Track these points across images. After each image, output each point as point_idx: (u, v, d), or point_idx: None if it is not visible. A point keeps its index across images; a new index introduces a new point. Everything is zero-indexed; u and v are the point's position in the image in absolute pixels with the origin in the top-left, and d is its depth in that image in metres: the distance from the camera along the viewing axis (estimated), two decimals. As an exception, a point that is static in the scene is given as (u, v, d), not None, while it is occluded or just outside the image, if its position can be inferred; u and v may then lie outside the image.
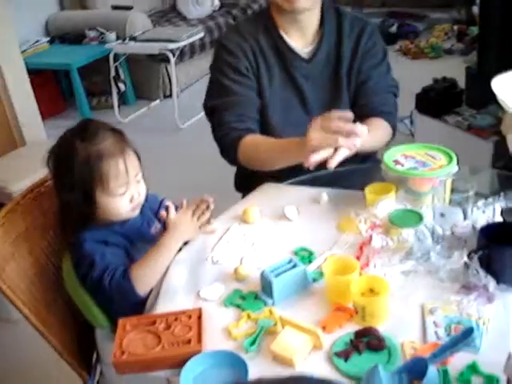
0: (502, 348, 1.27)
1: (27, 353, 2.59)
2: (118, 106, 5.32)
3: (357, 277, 1.47)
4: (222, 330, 1.48)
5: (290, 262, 1.56)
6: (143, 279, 1.65)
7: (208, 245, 1.79)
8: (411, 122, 3.86)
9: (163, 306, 1.59)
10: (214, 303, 1.57)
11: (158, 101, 5.62)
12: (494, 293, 1.41)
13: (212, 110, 2.07)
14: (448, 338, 1.33)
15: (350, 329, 1.41)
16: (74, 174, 1.63)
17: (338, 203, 1.89)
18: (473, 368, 1.26)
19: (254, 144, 1.98)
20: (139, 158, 1.74)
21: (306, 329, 1.36)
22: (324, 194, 1.91)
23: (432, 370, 1.20)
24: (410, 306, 1.45)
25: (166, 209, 1.72)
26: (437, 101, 3.56)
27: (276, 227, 1.83)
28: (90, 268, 1.65)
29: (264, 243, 1.76)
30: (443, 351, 1.21)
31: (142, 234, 1.77)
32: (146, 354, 1.40)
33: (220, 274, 1.67)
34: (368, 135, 1.65)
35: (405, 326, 1.40)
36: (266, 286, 1.53)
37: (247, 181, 2.24)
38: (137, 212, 1.73)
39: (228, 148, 2.04)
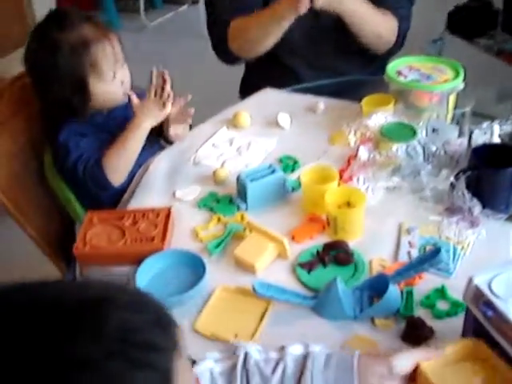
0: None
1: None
2: (145, 10, 5.14)
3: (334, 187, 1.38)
4: (190, 231, 1.41)
5: (269, 167, 1.47)
6: (114, 166, 1.56)
7: (193, 146, 1.71)
8: (441, 42, 3.63)
9: (137, 202, 1.53)
10: (187, 204, 1.50)
11: (185, 6, 5.41)
12: (478, 217, 1.30)
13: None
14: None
15: (320, 241, 1.33)
16: (61, 67, 1.53)
17: (335, 114, 1.78)
18: (441, 292, 1.17)
19: (241, 24, 1.85)
20: (121, 42, 1.63)
21: (273, 236, 1.28)
22: (321, 103, 1.79)
23: (393, 289, 1.12)
24: (388, 223, 1.36)
25: (129, 98, 1.62)
26: (469, 21, 3.32)
27: (265, 134, 1.73)
28: (65, 157, 1.58)
29: (250, 149, 1.66)
30: (407, 270, 1.12)
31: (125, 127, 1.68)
32: (107, 248, 1.35)
33: (199, 175, 1.59)
34: (369, 13, 1.59)
35: (378, 243, 1.31)
36: (241, 191, 1.45)
37: (251, 87, 2.13)
38: (126, 98, 1.64)
39: (217, 40, 1.91)
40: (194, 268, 1.28)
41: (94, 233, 1.39)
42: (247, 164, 1.60)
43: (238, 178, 1.45)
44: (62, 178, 1.70)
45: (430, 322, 1.11)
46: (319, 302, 1.16)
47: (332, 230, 1.33)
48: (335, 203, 1.34)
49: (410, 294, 1.17)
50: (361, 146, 1.49)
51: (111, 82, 1.57)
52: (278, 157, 1.63)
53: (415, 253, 1.26)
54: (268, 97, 1.91)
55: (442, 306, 1.15)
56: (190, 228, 1.42)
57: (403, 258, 1.25)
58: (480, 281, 0.94)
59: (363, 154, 1.47)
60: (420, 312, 1.14)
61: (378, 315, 1.13)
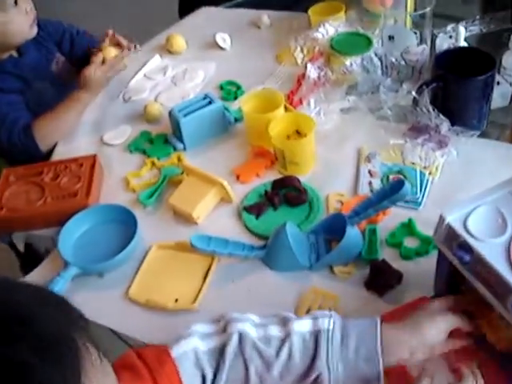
0: (445, 203, 1.01)
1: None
2: None
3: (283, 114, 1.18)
4: (122, 180, 1.22)
5: (204, 98, 1.26)
6: (47, 135, 1.35)
7: (122, 80, 1.48)
8: None
9: (60, 153, 1.32)
10: (117, 149, 1.31)
11: None
12: (446, 136, 1.12)
13: None
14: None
15: (269, 178, 1.15)
16: None
17: (282, 28, 1.56)
18: (408, 228, 1.01)
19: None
20: None
21: (211, 179, 1.09)
22: (265, 16, 1.57)
23: (352, 231, 0.95)
24: (344, 151, 1.18)
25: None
26: None
27: (203, 58, 1.51)
28: None
29: (186, 77, 1.45)
30: (365, 209, 0.94)
31: (40, 72, 1.45)
32: (26, 210, 1.15)
33: (129, 114, 1.39)
34: None
35: (334, 175, 1.13)
36: (176, 128, 1.25)
37: (190, 5, 1.88)
38: (35, 30, 1.39)
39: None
40: (126, 225, 1.09)
41: (11, 193, 1.19)
42: (184, 96, 1.39)
43: (170, 114, 1.24)
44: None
45: (398, 264, 0.95)
46: (269, 252, 0.99)
47: (280, 164, 1.15)
48: (282, 134, 1.15)
49: (372, 233, 1.00)
50: (309, 63, 1.28)
51: (13, 9, 1.32)
52: (218, 83, 1.41)
53: (377, 183, 1.09)
54: (205, 16, 1.68)
55: (410, 243, 0.99)
56: (121, 177, 1.23)
57: (364, 191, 1.08)
58: (453, 219, 0.77)
59: (312, 72, 1.27)
60: (386, 253, 0.98)
61: (337, 262, 0.97)
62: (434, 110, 1.10)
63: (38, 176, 1.21)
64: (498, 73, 1.23)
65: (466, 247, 0.75)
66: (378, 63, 1.26)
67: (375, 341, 0.71)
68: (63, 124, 1.37)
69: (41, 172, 1.22)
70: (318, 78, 1.28)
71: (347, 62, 1.26)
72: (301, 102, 1.28)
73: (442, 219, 0.78)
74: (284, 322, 0.74)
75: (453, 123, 1.12)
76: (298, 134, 1.17)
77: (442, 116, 1.10)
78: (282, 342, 0.73)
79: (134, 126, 1.34)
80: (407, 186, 0.90)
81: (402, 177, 0.96)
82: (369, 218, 0.96)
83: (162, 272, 1.04)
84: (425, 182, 1.07)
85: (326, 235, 1.01)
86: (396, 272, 0.93)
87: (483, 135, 1.14)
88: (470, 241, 0.74)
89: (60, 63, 1.50)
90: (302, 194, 1.08)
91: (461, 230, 0.76)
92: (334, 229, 0.99)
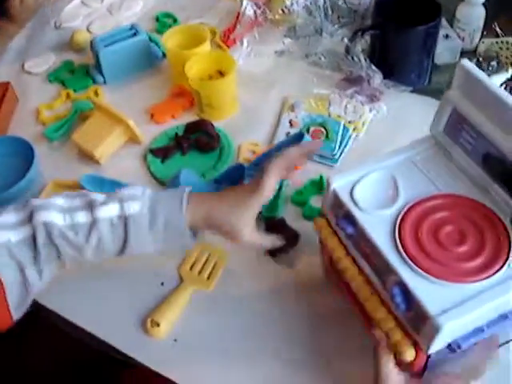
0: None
1: None
2: None
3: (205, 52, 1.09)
4: (34, 111, 1.14)
5: (130, 29, 1.16)
6: None
7: (57, 6, 1.38)
8: None
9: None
10: (37, 78, 1.21)
11: None
12: (378, 90, 1.03)
13: None
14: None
15: (185, 119, 1.06)
16: None
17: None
18: (318, 185, 0.93)
19: None
20: None
21: (118, 117, 1.01)
22: None
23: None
24: (270, 97, 1.09)
25: None
26: None
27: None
28: None
29: (123, 6, 1.34)
30: (263, 159, 0.86)
31: None
32: None
33: (57, 41, 1.29)
34: None
35: (253, 123, 1.05)
36: (96, 60, 1.15)
37: None
38: None
39: None
40: (25, 159, 1.01)
41: None
42: (117, 26, 1.28)
43: (92, 44, 1.14)
44: None
45: (298, 224, 0.87)
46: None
47: (198, 107, 1.06)
48: (202, 74, 1.06)
49: (278, 189, 0.92)
50: (244, 1, 1.17)
51: None
52: (154, 15, 1.31)
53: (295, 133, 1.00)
54: None
55: (316, 203, 0.91)
56: (34, 108, 1.14)
57: (279, 140, 0.99)
58: (340, 185, 0.69)
59: (248, 9, 1.17)
60: (289, 212, 0.90)
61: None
62: (365, 59, 1.00)
63: None
64: (451, 26, 1.12)
65: (350, 218, 0.67)
66: (321, 4, 1.15)
67: (182, 217, 0.68)
68: None
69: None
70: (255, 16, 1.17)
71: (287, 1, 1.15)
72: (235, 41, 1.17)
73: (328, 184, 0.70)
74: (91, 206, 0.68)
75: (389, 76, 1.02)
76: (221, 74, 1.07)
77: (373, 67, 1.01)
78: (90, 228, 0.68)
79: (59, 55, 1.25)
80: (307, 139, 0.81)
81: (303, 130, 0.87)
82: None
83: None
84: (347, 137, 0.99)
85: (228, 186, 0.93)
86: (292, 232, 0.85)
87: (418, 91, 1.04)
88: (354, 211, 0.67)
89: None
90: (214, 140, 1.00)
91: (346, 199, 0.68)
92: (236, 179, 0.91)
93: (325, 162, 0.96)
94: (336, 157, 0.96)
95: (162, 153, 1.00)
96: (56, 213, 0.68)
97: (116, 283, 0.84)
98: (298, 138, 0.82)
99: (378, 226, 0.64)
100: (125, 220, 0.68)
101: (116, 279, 0.84)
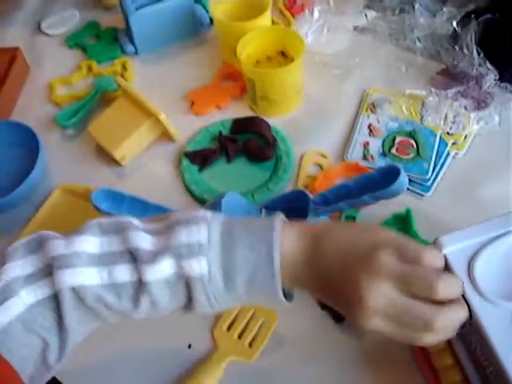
0: (470, 196, 0.72)
1: None
2: None
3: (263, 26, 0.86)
4: (47, 86, 0.94)
5: (171, -14, 0.94)
6: None
7: None
8: None
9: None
10: (55, 41, 1.02)
11: None
12: (490, 93, 0.79)
13: None
14: (380, 158, 0.77)
15: (232, 114, 0.85)
16: None
17: None
18: (402, 222, 0.72)
19: None
20: None
21: (147, 108, 0.80)
22: None
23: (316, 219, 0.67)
24: (345, 89, 0.87)
25: None
26: None
27: None
28: None
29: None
30: (339, 197, 0.65)
31: None
32: None
33: (82, -5, 1.08)
34: None
35: (320, 123, 0.83)
36: (127, 24, 0.94)
37: None
38: None
39: None
40: (30, 152, 0.83)
41: None
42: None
43: (121, 4, 0.93)
44: None
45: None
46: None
47: (250, 98, 0.84)
48: (259, 54, 0.84)
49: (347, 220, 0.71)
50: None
51: None
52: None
53: (376, 146, 0.78)
54: None
55: (399, 246, 0.69)
56: (48, 81, 0.95)
57: (354, 156, 0.78)
58: (454, 251, 0.49)
59: (324, -32, 0.93)
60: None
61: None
62: (479, 53, 0.77)
63: None
64: None
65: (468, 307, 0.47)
66: (419, -33, 0.91)
67: (274, 281, 0.47)
68: None
69: None
70: (332, -23, 0.93)
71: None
72: (302, 9, 0.95)
73: (437, 246, 0.49)
74: (135, 260, 0.48)
75: (503, 76, 0.79)
76: (284, 56, 0.85)
77: (489, 64, 0.77)
78: (137, 290, 0.48)
79: (84, 13, 1.05)
80: (404, 178, 0.60)
81: (398, 166, 0.65)
82: (339, 212, 0.67)
83: (59, 228, 0.77)
84: (444, 155, 0.76)
85: (284, 214, 0.73)
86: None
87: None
88: (471, 294, 0.47)
89: None
90: (269, 146, 0.79)
91: (462, 275, 0.48)
92: (295, 208, 0.70)
93: (413, 188, 0.74)
94: (428, 183, 0.75)
95: (200, 158, 0.80)
96: (86, 268, 0.48)
97: (129, 344, 0.66)
98: (391, 175, 0.61)
99: (501, 324, 0.46)
100: (186, 280, 0.48)
101: (130, 338, 0.66)
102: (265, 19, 0.85)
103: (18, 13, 1.07)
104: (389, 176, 0.61)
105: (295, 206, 0.70)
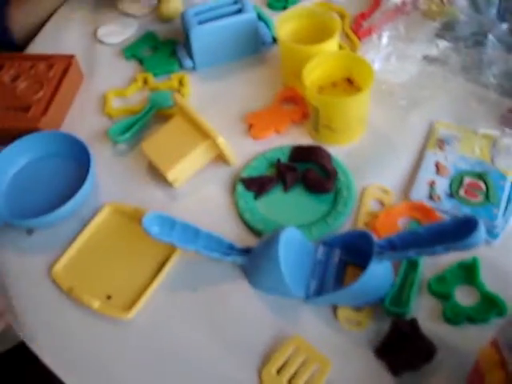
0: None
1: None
2: None
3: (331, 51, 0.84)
4: (101, 97, 0.93)
5: (235, 3, 0.92)
6: (23, 26, 1.08)
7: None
8: None
9: (40, 45, 1.03)
10: (111, 50, 1.00)
11: None
12: None
13: None
14: (447, 200, 0.73)
15: (292, 139, 0.83)
16: None
17: None
18: (468, 271, 0.68)
19: None
20: None
21: (204, 129, 0.78)
22: None
23: (378, 268, 0.64)
24: (411, 122, 0.83)
25: None
26: None
27: None
28: None
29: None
30: (407, 244, 0.62)
31: None
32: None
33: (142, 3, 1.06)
34: None
35: (384, 156, 0.80)
36: (187, 38, 0.92)
37: None
38: None
39: None
40: (80, 165, 0.82)
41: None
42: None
43: (183, 17, 0.91)
44: None
45: (436, 327, 0.63)
46: (252, 261, 0.69)
47: (312, 124, 0.82)
48: (324, 79, 0.81)
49: (411, 269, 0.68)
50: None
51: None
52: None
53: (443, 186, 0.75)
54: None
55: (464, 297, 0.66)
56: (102, 92, 0.93)
57: (419, 196, 0.75)
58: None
59: (396, -8, 0.90)
60: (423, 307, 0.66)
61: (345, 303, 0.66)
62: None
63: (-4, 71, 0.94)
64: None
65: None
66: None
67: None
68: (40, 11, 1.09)
69: (0, 67, 0.94)
70: (403, 3, 0.90)
71: (450, -14, 0.87)
72: (370, 32, 0.92)
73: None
74: None
75: None
76: (350, 83, 0.82)
77: None
78: None
79: (143, 23, 1.03)
80: (482, 231, 0.56)
81: (474, 216, 0.61)
82: (404, 258, 0.63)
83: (104, 249, 0.76)
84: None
85: (343, 252, 0.70)
86: (427, 345, 0.62)
87: None
88: None
89: None
90: (329, 178, 0.76)
91: None
92: (356, 247, 0.68)
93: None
94: (497, 230, 0.71)
95: (256, 185, 0.77)
96: None
97: (171, 375, 0.64)
98: (466, 227, 0.57)
99: None
100: None
101: (171, 368, 0.64)
102: (332, 43, 0.83)
103: (75, 18, 1.06)
104: (464, 227, 0.57)
105: (356, 247, 0.67)
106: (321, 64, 0.80)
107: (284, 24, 0.85)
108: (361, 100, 0.77)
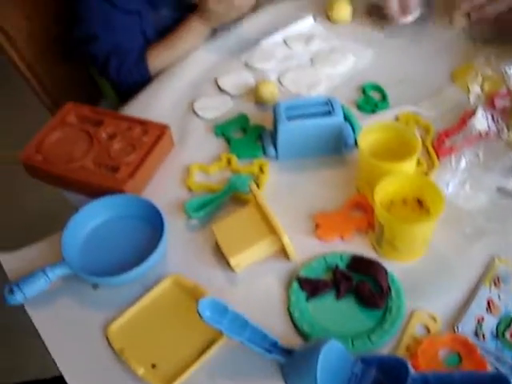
0: None
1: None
2: None
3: (407, 170, 0.88)
4: (184, 168, 1.00)
5: (326, 104, 0.98)
6: (160, 66, 1.23)
7: (253, 34, 1.24)
8: None
9: (139, 103, 1.13)
10: (203, 124, 1.08)
11: None
12: None
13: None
14: (491, 340, 0.75)
15: (354, 247, 0.87)
16: None
17: (484, 34, 1.18)
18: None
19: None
20: None
21: (272, 224, 0.84)
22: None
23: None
24: (472, 253, 0.86)
25: None
26: None
27: (365, 40, 1.21)
28: (92, 42, 1.22)
29: (330, 59, 1.16)
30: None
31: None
32: (58, 168, 0.99)
33: (239, 83, 1.15)
34: None
35: (439, 280, 0.83)
36: (274, 128, 0.99)
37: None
38: None
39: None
40: (153, 230, 0.90)
41: (58, 139, 1.05)
42: (314, 83, 1.12)
43: (275, 110, 0.98)
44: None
45: None
46: (291, 363, 0.74)
47: (376, 237, 0.86)
48: (395, 196, 0.86)
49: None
50: (480, 107, 0.94)
51: None
52: (361, 83, 1.12)
53: (489, 327, 0.77)
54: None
55: None
56: (187, 164, 1.01)
57: (466, 329, 0.77)
58: None
59: (481, 121, 0.94)
60: None
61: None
62: None
63: (95, 126, 1.04)
64: None
65: None
66: None
67: None
68: (177, 54, 1.22)
69: (101, 122, 1.04)
70: (487, 131, 0.94)
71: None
72: (450, 151, 0.95)
73: None
74: None
75: None
76: (420, 204, 0.86)
77: None
78: None
79: (238, 103, 1.11)
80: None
81: (509, 378, 0.63)
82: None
83: (159, 317, 0.83)
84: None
85: (378, 372, 0.73)
86: None
87: None
88: None
89: None
90: (381, 295, 0.80)
91: None
92: (392, 370, 0.71)
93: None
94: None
95: (311, 287, 0.82)
96: None
97: None
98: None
99: None
100: None
101: None
102: (410, 164, 0.87)
103: (175, 87, 1.14)
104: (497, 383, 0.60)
105: (393, 370, 0.71)
106: (394, 182, 0.84)
107: (367, 135, 0.90)
108: (427, 226, 0.80)
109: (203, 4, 1.16)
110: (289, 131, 0.96)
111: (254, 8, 1.22)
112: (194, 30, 1.21)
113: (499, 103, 0.98)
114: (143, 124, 1.03)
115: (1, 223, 2.10)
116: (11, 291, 0.84)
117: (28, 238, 0.93)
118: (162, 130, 1.01)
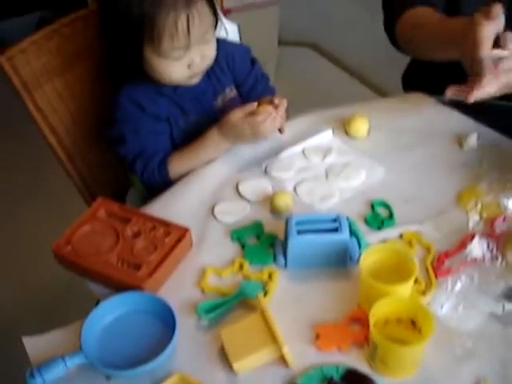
0: None
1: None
2: None
3: (402, 292, 0.96)
4: (199, 270, 1.09)
5: (334, 220, 1.07)
6: (179, 172, 1.34)
7: (275, 145, 1.35)
8: None
9: (162, 203, 1.23)
10: (221, 228, 1.17)
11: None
12: None
13: None
14: None
15: (350, 360, 0.94)
16: (122, 12, 1.21)
17: (491, 159, 1.27)
18: None
19: (412, 21, 1.40)
20: (215, 11, 1.27)
21: (274, 334, 0.92)
22: (473, 135, 1.31)
23: None
24: (459, 373, 0.93)
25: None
26: None
27: (378, 156, 1.31)
28: (121, 143, 1.34)
29: (343, 174, 1.26)
30: None
31: (201, 104, 1.38)
32: (85, 260, 1.09)
33: (258, 189, 1.24)
34: None
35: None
36: (285, 239, 1.08)
37: (417, 76, 1.68)
38: (195, 80, 1.32)
39: (386, 21, 1.48)
40: (165, 327, 0.98)
41: (87, 232, 1.14)
42: (327, 195, 1.21)
43: (287, 222, 1.08)
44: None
45: None
46: None
47: (370, 353, 0.93)
48: (389, 314, 0.93)
49: None
50: (478, 235, 1.02)
51: (174, 61, 1.25)
52: (371, 199, 1.21)
53: None
54: (408, 102, 1.46)
55: None
56: (202, 266, 1.10)
57: None
58: None
59: (476, 248, 1.02)
60: None
61: None
62: None
63: (123, 223, 1.14)
64: None
65: None
66: None
67: None
68: (198, 163, 1.32)
69: (128, 219, 1.14)
70: (483, 259, 1.02)
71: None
72: (448, 272, 1.03)
73: None
74: None
75: None
76: (413, 324, 0.94)
77: None
78: None
79: (256, 209, 1.21)
80: None
81: None
82: None
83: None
84: None
85: None
86: None
87: None
88: None
89: (227, 100, 1.41)
90: (370, 409, 0.86)
91: None
92: None
93: None
94: None
95: (306, 396, 0.89)
96: None
97: None
98: None
99: None
100: None
101: None
102: (406, 286, 0.95)
103: (199, 189, 1.25)
104: None
105: None
106: (390, 304, 0.92)
107: (369, 256, 0.99)
108: (417, 348, 0.88)
109: (225, 118, 1.26)
110: (298, 244, 1.05)
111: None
112: (213, 142, 1.30)
113: (498, 228, 1.06)
114: (167, 225, 1.12)
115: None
116: (32, 375, 0.93)
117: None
118: (183, 233, 1.11)
